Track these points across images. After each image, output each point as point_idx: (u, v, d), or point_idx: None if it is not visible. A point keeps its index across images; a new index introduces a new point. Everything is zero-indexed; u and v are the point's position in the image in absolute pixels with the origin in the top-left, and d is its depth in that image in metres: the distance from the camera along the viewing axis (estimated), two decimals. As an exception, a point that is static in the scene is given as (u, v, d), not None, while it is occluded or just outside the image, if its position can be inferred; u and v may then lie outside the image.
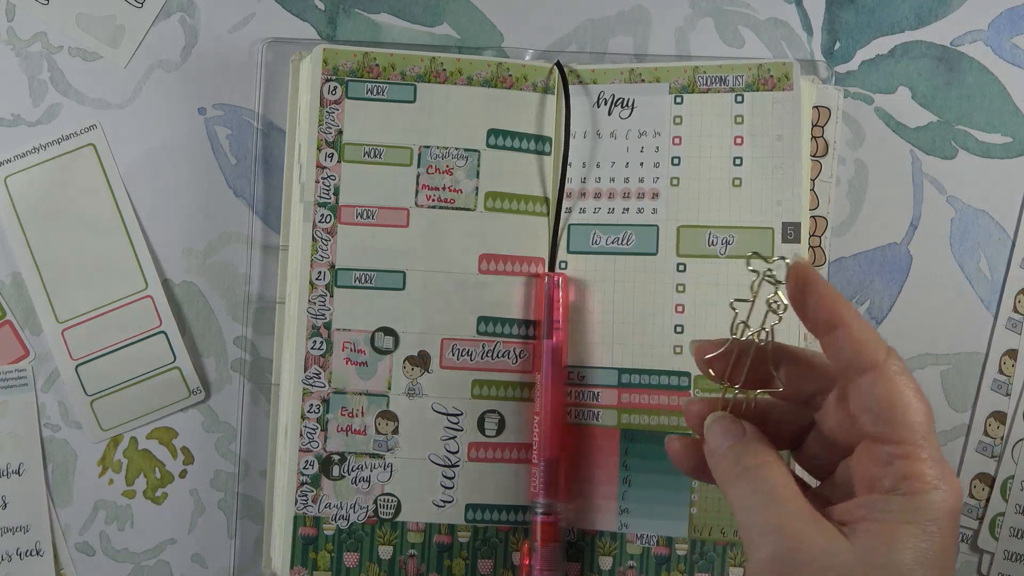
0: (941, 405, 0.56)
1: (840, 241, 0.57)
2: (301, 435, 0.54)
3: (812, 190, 0.55)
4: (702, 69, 0.55)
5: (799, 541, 0.38)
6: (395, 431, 0.54)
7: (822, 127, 0.56)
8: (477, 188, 0.55)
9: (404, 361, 0.54)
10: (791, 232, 0.54)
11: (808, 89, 0.55)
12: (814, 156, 0.55)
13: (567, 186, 0.55)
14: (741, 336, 0.41)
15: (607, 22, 0.58)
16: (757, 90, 0.54)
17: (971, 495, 0.56)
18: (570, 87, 0.56)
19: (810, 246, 0.55)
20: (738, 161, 0.54)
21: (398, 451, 0.54)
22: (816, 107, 0.55)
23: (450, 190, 0.55)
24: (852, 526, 0.38)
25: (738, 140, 0.54)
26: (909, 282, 0.57)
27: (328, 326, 0.54)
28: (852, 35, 0.57)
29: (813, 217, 0.55)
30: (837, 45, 0.57)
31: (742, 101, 0.54)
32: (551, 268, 0.55)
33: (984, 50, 0.57)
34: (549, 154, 0.56)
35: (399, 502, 0.54)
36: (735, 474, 0.41)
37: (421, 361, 0.54)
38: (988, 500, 0.56)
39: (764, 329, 0.41)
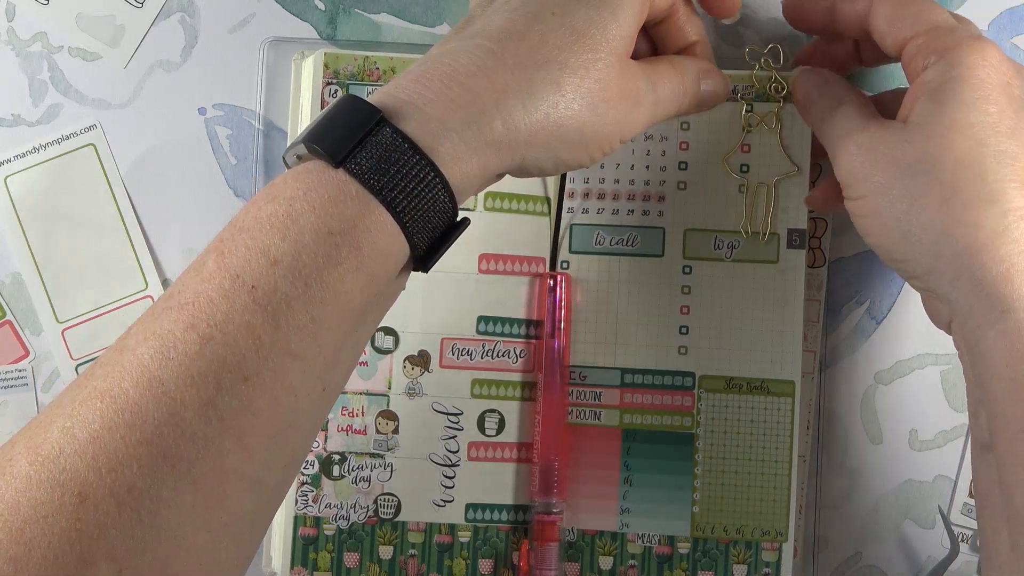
0: (941, 405, 0.56)
1: (840, 241, 0.57)
2: (302, 435, 0.54)
3: (812, 191, 0.55)
4: None
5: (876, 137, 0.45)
6: (395, 431, 0.54)
7: (822, 128, 0.56)
8: (477, 188, 0.55)
9: (404, 361, 0.54)
10: (796, 238, 0.54)
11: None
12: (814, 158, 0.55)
13: (569, 186, 0.55)
14: None
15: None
16: (767, 100, 0.54)
17: (971, 495, 0.56)
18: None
19: (810, 247, 0.55)
20: (745, 168, 0.54)
21: (398, 451, 0.54)
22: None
23: (450, 190, 0.55)
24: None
25: (745, 148, 0.54)
26: (909, 282, 0.57)
27: (329, 326, 0.54)
28: (852, 36, 0.57)
29: (813, 218, 0.56)
30: (837, 46, 0.57)
31: (751, 111, 0.54)
32: (552, 268, 0.55)
33: (983, 51, 0.57)
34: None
35: (399, 502, 0.54)
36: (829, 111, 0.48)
37: (421, 361, 0.54)
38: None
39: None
